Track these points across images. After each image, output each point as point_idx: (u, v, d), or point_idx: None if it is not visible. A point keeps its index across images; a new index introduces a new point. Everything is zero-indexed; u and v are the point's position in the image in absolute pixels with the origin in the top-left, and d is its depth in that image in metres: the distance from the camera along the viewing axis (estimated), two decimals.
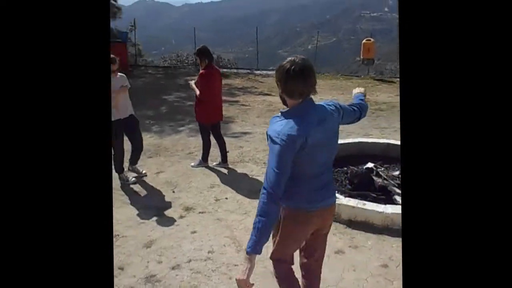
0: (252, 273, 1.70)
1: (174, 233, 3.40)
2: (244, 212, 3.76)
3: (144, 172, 4.67)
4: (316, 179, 1.89)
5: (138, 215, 3.74)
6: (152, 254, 3.07)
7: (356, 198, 3.63)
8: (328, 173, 1.98)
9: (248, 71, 13.83)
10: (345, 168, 4.35)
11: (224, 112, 4.98)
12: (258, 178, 4.57)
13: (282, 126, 1.74)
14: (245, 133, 6.44)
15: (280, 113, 1.83)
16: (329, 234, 3.30)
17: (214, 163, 4.98)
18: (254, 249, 1.68)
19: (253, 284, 1.73)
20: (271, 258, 2.14)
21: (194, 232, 3.42)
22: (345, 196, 3.65)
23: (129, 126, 4.40)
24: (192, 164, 4.99)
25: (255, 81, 11.88)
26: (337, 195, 3.63)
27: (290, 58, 1.78)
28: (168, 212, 3.79)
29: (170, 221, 3.61)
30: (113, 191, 4.28)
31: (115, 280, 2.76)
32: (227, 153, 5.04)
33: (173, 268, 2.89)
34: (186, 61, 14.91)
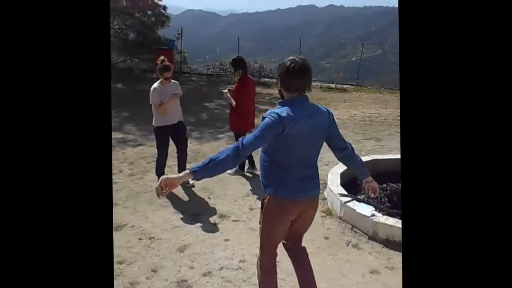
0: (174, 187, 1.87)
1: (207, 240, 3.42)
2: None
3: (192, 183, 4.66)
4: (301, 169, 2.05)
5: (173, 219, 3.81)
6: (185, 259, 3.11)
7: (395, 216, 3.49)
8: (314, 168, 2.13)
9: None
10: (385, 185, 4.20)
11: None
12: None
13: (276, 110, 1.96)
14: None
15: (278, 103, 2.06)
16: (365, 252, 3.24)
17: (245, 167, 5.07)
18: (196, 172, 1.83)
19: (167, 192, 1.87)
20: (260, 254, 2.26)
21: (227, 240, 3.42)
22: (383, 214, 3.52)
23: (178, 132, 4.49)
24: (229, 171, 5.03)
25: None
26: (374, 212, 3.54)
27: (291, 57, 2.02)
28: (203, 218, 3.83)
29: (204, 227, 3.64)
30: (152, 194, 4.39)
31: (148, 282, 2.81)
32: None
33: (204, 275, 2.90)
34: (230, 70, 15.16)
